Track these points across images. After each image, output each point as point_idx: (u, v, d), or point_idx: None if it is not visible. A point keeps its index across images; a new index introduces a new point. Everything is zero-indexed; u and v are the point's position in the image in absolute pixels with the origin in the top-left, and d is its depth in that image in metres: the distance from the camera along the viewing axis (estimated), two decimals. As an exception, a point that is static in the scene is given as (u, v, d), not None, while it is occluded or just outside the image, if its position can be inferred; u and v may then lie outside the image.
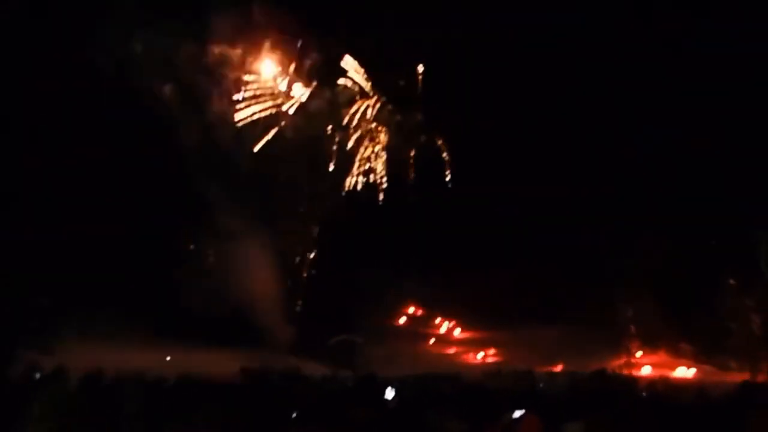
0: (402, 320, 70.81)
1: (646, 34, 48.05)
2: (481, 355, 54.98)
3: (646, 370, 42.15)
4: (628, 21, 48.32)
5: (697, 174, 50.16)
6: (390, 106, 53.71)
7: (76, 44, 41.52)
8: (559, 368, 41.31)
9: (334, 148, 53.47)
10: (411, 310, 72.92)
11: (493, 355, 54.48)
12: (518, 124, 55.47)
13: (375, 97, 53.44)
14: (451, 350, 57.12)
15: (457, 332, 67.12)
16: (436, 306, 71.73)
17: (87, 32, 42.07)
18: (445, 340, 64.08)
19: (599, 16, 48.68)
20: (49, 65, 42.08)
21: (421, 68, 51.81)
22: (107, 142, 45.53)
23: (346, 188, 51.62)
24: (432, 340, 60.99)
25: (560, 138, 54.16)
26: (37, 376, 11.85)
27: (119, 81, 43.92)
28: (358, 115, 53.49)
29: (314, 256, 53.68)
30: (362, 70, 52.24)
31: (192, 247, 45.08)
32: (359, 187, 53.50)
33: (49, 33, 41.63)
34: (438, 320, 71.08)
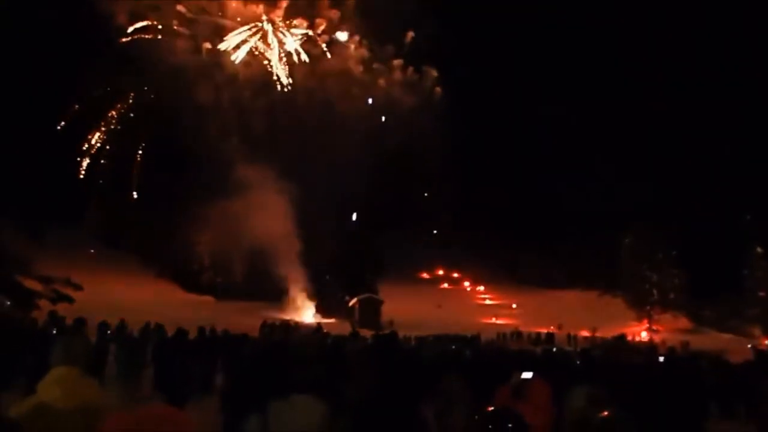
0: (427, 281, 71.30)
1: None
2: (502, 318, 55.20)
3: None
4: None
5: (726, 146, 49.47)
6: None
7: None
8: (581, 332, 41.33)
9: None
10: (440, 272, 73.35)
11: (515, 318, 54.68)
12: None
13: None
14: (475, 311, 57.42)
15: (482, 294, 67.50)
16: (461, 268, 72.12)
17: None
18: (470, 301, 64.50)
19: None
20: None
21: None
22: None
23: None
24: (456, 301, 61.35)
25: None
26: (54, 330, 12.09)
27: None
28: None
29: (339, 217, 53.77)
30: None
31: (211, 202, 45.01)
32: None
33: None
34: (464, 283, 71.52)
